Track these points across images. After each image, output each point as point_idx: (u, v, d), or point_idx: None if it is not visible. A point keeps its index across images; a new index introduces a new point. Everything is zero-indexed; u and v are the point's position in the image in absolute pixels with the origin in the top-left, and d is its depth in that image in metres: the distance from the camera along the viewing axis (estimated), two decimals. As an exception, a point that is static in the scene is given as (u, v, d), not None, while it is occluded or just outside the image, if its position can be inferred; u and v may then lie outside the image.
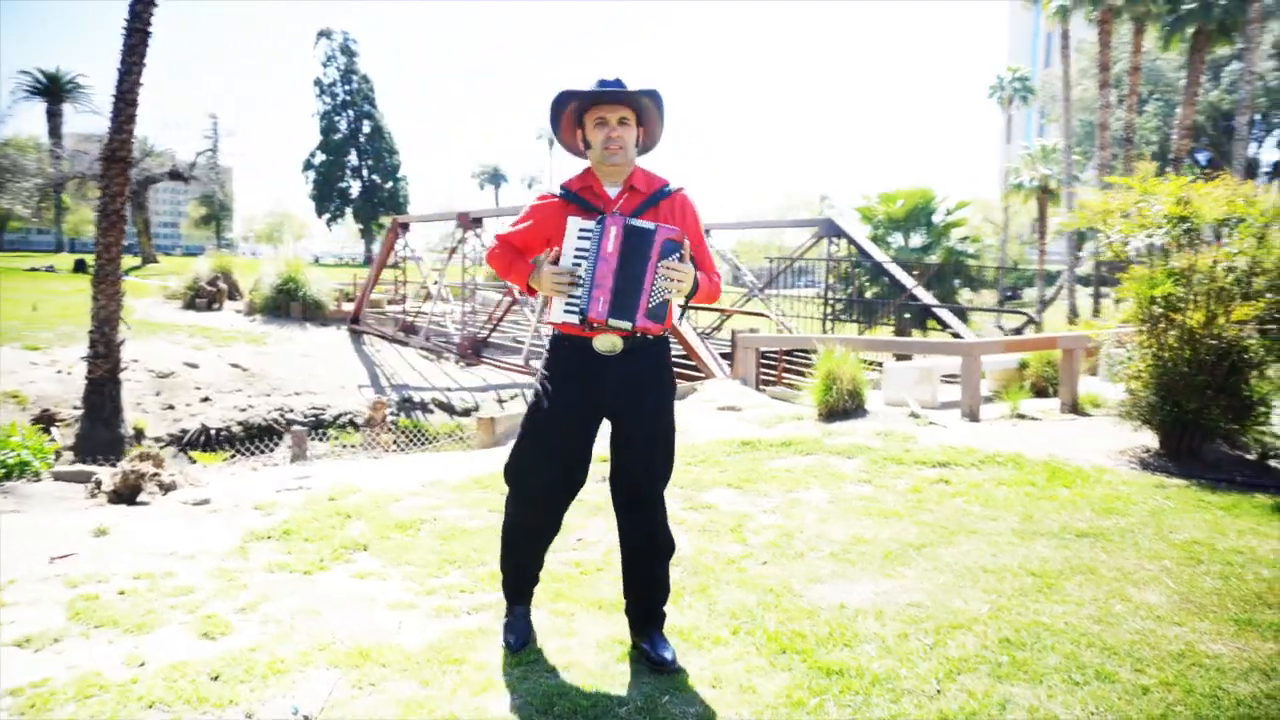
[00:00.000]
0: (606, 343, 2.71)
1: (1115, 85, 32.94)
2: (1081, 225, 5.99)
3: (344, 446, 11.59)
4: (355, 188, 65.39)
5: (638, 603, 2.95)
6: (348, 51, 64.52)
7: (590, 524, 4.50)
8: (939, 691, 2.65)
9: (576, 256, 2.68)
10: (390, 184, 65.79)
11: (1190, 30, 30.23)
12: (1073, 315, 27.87)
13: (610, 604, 3.34)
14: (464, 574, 3.82)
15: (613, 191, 2.82)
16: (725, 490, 5.24)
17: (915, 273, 17.75)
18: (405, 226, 20.74)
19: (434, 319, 18.07)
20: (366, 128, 65.29)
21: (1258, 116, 36.39)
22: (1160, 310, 5.68)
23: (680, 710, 2.57)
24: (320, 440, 12.45)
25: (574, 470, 2.88)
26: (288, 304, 22.63)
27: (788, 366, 11.66)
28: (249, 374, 17.79)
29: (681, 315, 2.88)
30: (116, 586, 3.61)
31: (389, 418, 13.46)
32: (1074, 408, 8.21)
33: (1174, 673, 2.74)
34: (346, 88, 64.48)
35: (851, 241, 17.13)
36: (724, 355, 12.00)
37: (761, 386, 9.71)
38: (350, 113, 64.77)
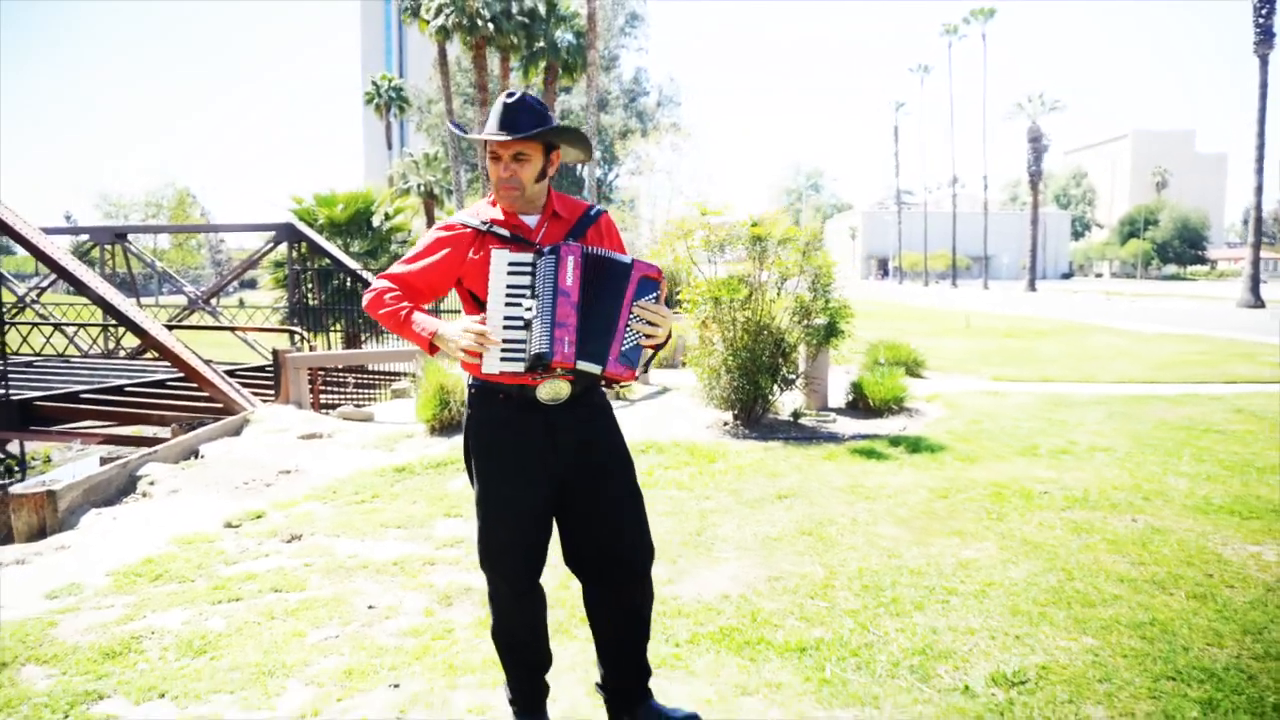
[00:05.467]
0: (551, 390, 2.34)
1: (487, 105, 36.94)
2: (674, 240, 7.09)
3: None
4: None
5: (624, 683, 2.60)
6: None
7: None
8: (884, 638, 3.21)
9: (510, 296, 2.27)
10: None
11: (543, 64, 35.51)
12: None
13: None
14: (305, 684, 3.07)
15: (531, 220, 2.44)
16: (447, 520, 4.97)
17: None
18: None
19: None
20: None
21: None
22: (732, 310, 7.07)
23: (753, 725, 2.65)
24: None
25: (547, 538, 2.49)
26: None
27: (323, 386, 10.82)
28: None
29: (646, 367, 2.49)
30: None
31: None
32: (615, 394, 9.50)
33: (978, 578, 3.77)
34: None
35: (314, 245, 16.44)
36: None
37: (324, 409, 8.94)
38: None
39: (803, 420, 7.61)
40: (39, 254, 10.51)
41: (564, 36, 35.91)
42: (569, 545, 2.54)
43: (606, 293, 2.30)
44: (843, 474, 5.68)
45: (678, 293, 7.65)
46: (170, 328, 15.05)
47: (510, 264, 2.29)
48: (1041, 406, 8.31)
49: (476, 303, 2.40)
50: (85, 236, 17.87)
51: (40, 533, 5.36)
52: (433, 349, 2.35)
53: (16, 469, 14.27)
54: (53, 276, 16.64)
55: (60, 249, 11.08)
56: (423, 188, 43.78)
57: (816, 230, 7.05)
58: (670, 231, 7.16)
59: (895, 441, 6.64)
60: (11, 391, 11.45)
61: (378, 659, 3.23)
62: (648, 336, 2.34)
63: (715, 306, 7.12)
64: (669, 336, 2.43)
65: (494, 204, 2.47)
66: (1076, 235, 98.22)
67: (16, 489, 5.44)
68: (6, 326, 16.62)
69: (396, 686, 3.02)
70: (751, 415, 7.33)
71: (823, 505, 4.98)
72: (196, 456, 6.91)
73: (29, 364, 15.43)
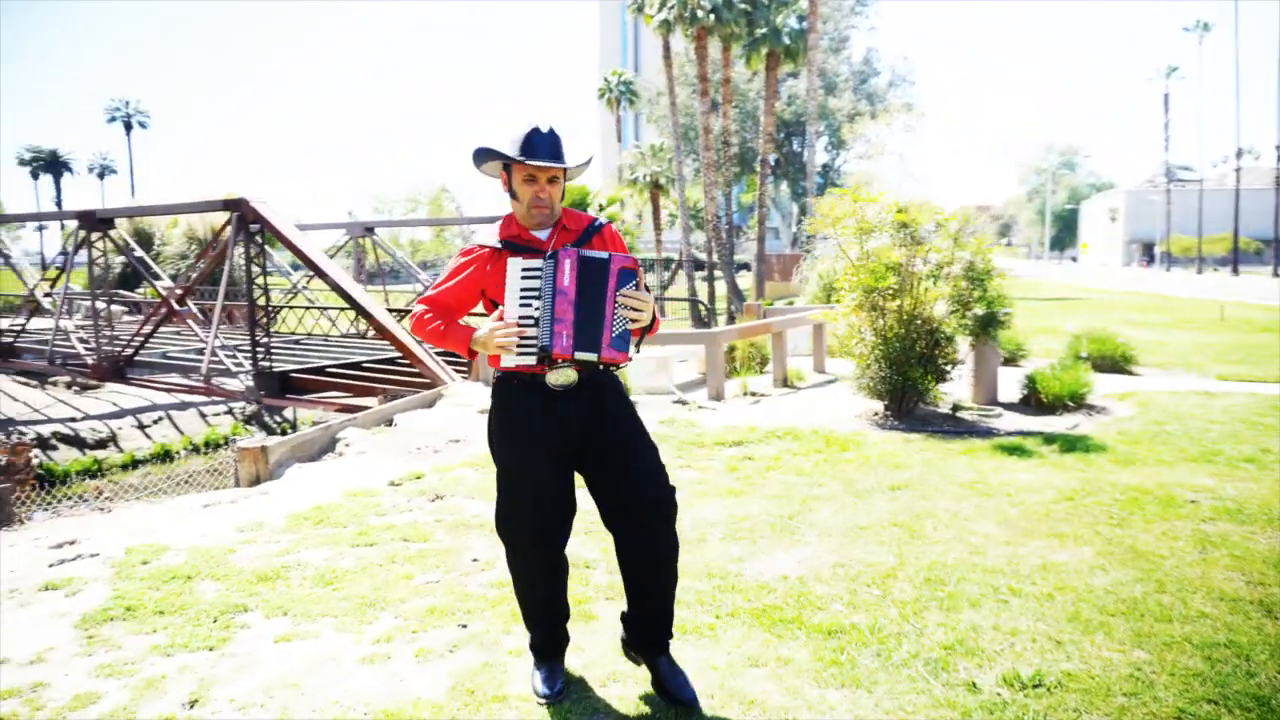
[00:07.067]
0: (561, 378, 2.63)
1: (711, 94, 37.37)
2: (821, 229, 7.08)
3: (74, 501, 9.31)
4: None
5: (649, 624, 2.82)
6: None
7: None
8: (921, 629, 3.20)
9: (524, 297, 2.59)
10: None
11: (765, 51, 35.23)
12: (696, 298, 31.43)
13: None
14: (394, 616, 3.59)
15: (542, 235, 2.75)
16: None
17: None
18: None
19: (58, 337, 15.12)
20: None
21: (820, 128, 43.85)
22: (882, 299, 6.94)
23: (757, 692, 2.81)
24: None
25: (564, 506, 2.80)
26: None
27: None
28: None
29: (638, 347, 2.77)
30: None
31: (33, 461, 11.09)
32: (785, 382, 9.56)
33: (1053, 581, 3.60)
34: None
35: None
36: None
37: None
38: None
39: (961, 414, 7.31)
40: (293, 249, 12.29)
41: (786, 21, 35.41)
42: (597, 502, 2.81)
43: (595, 287, 2.57)
44: (971, 469, 5.47)
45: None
46: (403, 312, 16.88)
47: (523, 270, 2.62)
48: (1256, 410, 7.37)
49: (496, 308, 2.75)
50: (342, 231, 20.44)
51: (257, 480, 6.46)
52: (472, 353, 2.74)
53: (289, 431, 16.77)
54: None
55: (311, 244, 12.87)
56: (648, 177, 45.26)
57: (969, 215, 6.74)
58: (816, 220, 7.14)
59: (1050, 439, 6.24)
60: (275, 365, 13.48)
61: (460, 603, 3.70)
62: (633, 321, 2.61)
63: (865, 295, 7.02)
64: (654, 318, 2.69)
65: (509, 224, 2.79)
66: None
67: (241, 444, 6.59)
68: (275, 309, 19.45)
69: (464, 627, 3.46)
70: (903, 406, 7.15)
71: (931, 499, 4.87)
72: (390, 424, 7.90)
73: (296, 341, 17.97)
